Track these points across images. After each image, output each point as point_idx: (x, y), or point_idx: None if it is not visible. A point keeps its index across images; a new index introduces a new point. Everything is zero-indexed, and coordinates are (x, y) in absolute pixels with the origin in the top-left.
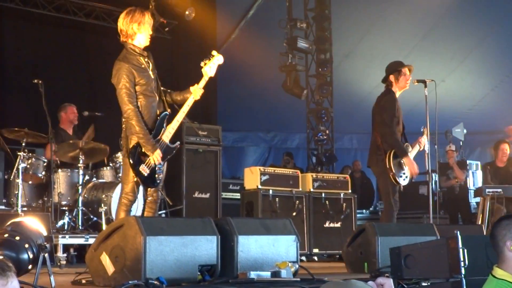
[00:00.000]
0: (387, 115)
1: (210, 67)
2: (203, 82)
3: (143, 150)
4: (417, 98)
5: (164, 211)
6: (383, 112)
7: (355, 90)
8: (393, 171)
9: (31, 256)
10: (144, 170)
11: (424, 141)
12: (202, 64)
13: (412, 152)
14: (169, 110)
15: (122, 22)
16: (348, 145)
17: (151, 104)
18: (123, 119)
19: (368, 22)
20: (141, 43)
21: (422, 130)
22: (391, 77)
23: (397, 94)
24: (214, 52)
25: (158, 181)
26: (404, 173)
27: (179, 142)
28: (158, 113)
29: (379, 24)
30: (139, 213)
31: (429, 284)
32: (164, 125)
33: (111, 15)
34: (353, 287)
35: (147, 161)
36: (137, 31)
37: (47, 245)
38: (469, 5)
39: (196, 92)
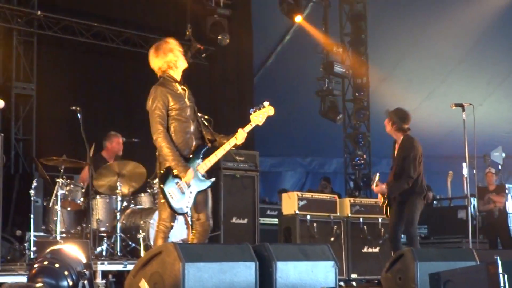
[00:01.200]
0: (409, 158)
1: (258, 116)
2: (249, 127)
3: (175, 173)
4: (455, 122)
5: None
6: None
7: None
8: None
9: (70, 283)
10: (173, 193)
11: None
12: (251, 111)
13: None
14: (209, 144)
15: (154, 61)
16: (386, 169)
17: (185, 130)
18: (154, 142)
19: (404, 46)
20: (179, 71)
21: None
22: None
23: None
24: (265, 103)
25: (187, 207)
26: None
27: (214, 178)
28: (194, 143)
29: (416, 49)
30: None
31: None
32: (201, 157)
33: (148, 42)
34: None
35: (178, 185)
36: (171, 60)
37: (87, 272)
38: (505, 29)
39: (240, 135)
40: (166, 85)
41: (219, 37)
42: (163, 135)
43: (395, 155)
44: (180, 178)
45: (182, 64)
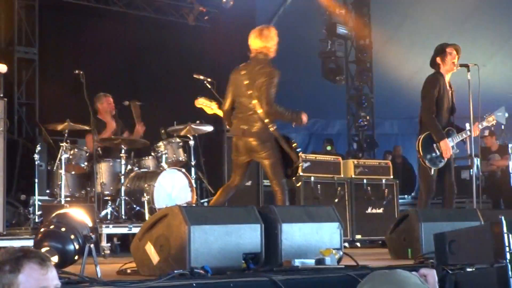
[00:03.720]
0: (426, 98)
1: None
2: None
3: None
4: (459, 82)
5: (206, 200)
6: (423, 94)
7: (395, 76)
8: (421, 154)
9: (77, 247)
10: None
11: (478, 127)
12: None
13: (457, 137)
14: None
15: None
16: (389, 131)
17: None
18: None
19: (407, 7)
20: None
21: (484, 116)
22: (438, 59)
23: (446, 77)
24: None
25: None
26: (437, 157)
27: None
28: None
29: (419, 9)
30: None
31: (474, 269)
32: None
33: (151, 5)
34: (399, 277)
35: None
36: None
37: (93, 236)
38: None
39: None
40: None
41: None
42: None
43: None
44: None
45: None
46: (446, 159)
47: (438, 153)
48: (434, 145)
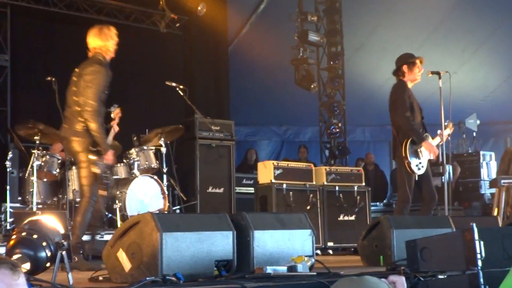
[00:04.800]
0: (398, 104)
1: None
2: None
3: None
4: (430, 90)
5: (178, 207)
6: (394, 102)
7: (367, 83)
8: (408, 159)
9: (49, 254)
10: None
11: (446, 134)
12: None
13: (433, 143)
14: None
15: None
16: (361, 138)
17: None
18: None
19: (379, 15)
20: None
21: (446, 123)
22: (404, 67)
23: (409, 85)
24: None
25: None
26: (420, 163)
27: None
28: None
29: (390, 17)
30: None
31: (445, 276)
32: None
33: (122, 12)
34: (367, 283)
35: None
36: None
37: (65, 243)
38: None
39: None
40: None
41: (198, 7)
42: None
43: None
44: None
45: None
46: (427, 164)
47: (420, 158)
48: (418, 150)
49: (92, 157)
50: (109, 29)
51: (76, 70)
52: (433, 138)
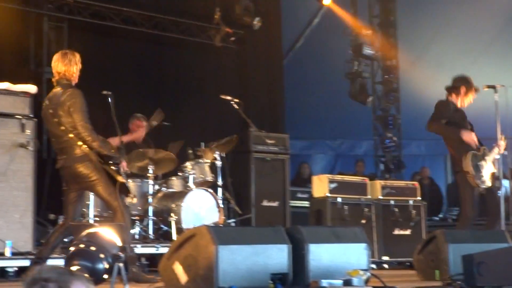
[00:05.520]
0: (442, 118)
1: None
2: None
3: None
4: (486, 104)
5: (233, 220)
6: (437, 116)
7: (422, 97)
8: (471, 173)
9: (106, 266)
10: None
11: (503, 144)
12: None
13: (490, 156)
14: None
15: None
16: (416, 152)
17: None
18: None
19: (434, 28)
20: None
21: (499, 137)
22: (463, 88)
23: (458, 105)
24: None
25: None
26: (482, 176)
27: None
28: None
29: (446, 30)
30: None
31: None
32: None
33: (178, 26)
34: None
35: None
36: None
37: (122, 255)
38: None
39: None
40: None
41: (254, 22)
42: None
43: None
44: None
45: None
46: (490, 177)
47: (482, 171)
48: (478, 163)
49: (113, 167)
50: (74, 55)
51: (46, 102)
52: (489, 151)
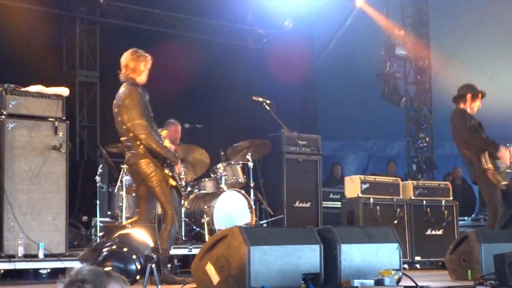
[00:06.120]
0: (461, 127)
1: None
2: None
3: None
4: None
5: (265, 221)
6: (455, 127)
7: None
8: (491, 169)
9: (138, 266)
10: None
11: None
12: None
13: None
14: None
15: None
16: (449, 152)
17: None
18: None
19: (466, 27)
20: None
21: None
22: (468, 96)
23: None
24: None
25: None
26: (501, 173)
27: None
28: None
29: (478, 30)
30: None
31: None
32: None
33: (210, 28)
34: None
35: None
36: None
37: (154, 256)
38: None
39: None
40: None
41: (285, 23)
42: None
43: None
44: None
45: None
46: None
47: (501, 169)
48: (495, 161)
49: (168, 172)
50: (145, 54)
51: (114, 102)
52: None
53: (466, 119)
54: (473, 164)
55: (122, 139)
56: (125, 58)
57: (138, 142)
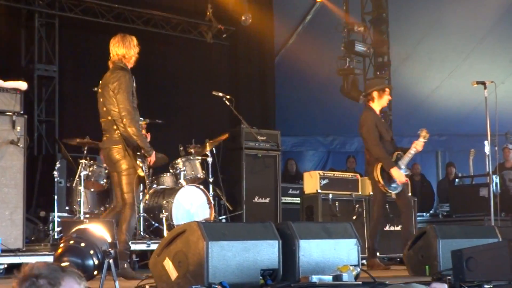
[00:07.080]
0: (370, 133)
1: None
2: None
3: None
4: (477, 100)
5: (224, 217)
6: (365, 131)
7: (413, 93)
8: (381, 182)
9: (96, 262)
10: None
11: (420, 143)
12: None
13: (405, 159)
14: None
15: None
16: (407, 148)
17: None
18: None
19: (426, 25)
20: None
21: (418, 133)
22: (375, 93)
23: (377, 110)
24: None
25: None
26: (395, 182)
27: None
28: None
29: (437, 27)
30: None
31: (491, 286)
32: None
33: (169, 23)
34: None
35: None
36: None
37: (112, 251)
38: None
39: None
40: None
41: (242, 17)
42: None
43: None
44: None
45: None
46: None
47: (393, 185)
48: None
49: (139, 161)
50: (132, 38)
51: (100, 82)
52: (406, 151)
53: (374, 127)
54: (368, 166)
55: (100, 120)
56: (116, 43)
57: (114, 127)
